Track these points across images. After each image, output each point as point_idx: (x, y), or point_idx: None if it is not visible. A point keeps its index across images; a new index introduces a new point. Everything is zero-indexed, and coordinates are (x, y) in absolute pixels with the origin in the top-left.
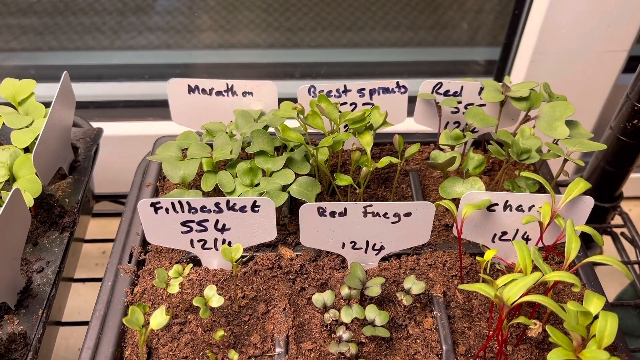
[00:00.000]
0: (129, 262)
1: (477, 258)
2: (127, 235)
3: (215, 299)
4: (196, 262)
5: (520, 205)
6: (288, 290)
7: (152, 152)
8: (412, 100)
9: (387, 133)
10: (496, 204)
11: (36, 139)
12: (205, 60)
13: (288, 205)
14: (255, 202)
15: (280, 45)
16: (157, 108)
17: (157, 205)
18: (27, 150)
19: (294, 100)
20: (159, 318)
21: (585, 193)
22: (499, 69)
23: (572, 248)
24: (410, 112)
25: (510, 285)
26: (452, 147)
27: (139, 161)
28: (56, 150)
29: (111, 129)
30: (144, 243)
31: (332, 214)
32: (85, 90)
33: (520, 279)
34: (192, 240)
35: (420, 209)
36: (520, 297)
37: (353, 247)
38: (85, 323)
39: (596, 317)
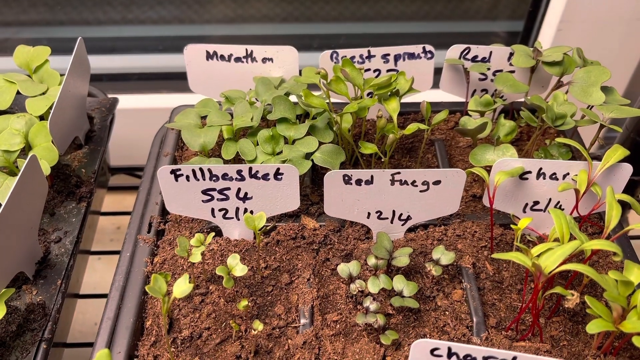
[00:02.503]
0: (148, 232)
1: (512, 226)
2: (146, 205)
3: (239, 268)
4: (217, 232)
5: (555, 174)
6: (312, 261)
7: (170, 121)
8: (435, 72)
9: (411, 102)
10: (529, 172)
11: (51, 107)
12: (219, 33)
13: (310, 175)
14: (278, 169)
15: (294, 19)
16: (172, 80)
17: (178, 173)
18: (42, 119)
19: None
20: (182, 286)
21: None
22: (523, 39)
23: (613, 215)
24: (434, 84)
25: (548, 253)
26: (482, 114)
27: (154, 134)
28: (72, 119)
29: (125, 101)
30: (163, 213)
31: (358, 181)
32: (98, 63)
33: (558, 247)
34: (213, 210)
35: (450, 177)
36: (558, 266)
37: (379, 217)
38: (104, 296)
39: (636, 288)
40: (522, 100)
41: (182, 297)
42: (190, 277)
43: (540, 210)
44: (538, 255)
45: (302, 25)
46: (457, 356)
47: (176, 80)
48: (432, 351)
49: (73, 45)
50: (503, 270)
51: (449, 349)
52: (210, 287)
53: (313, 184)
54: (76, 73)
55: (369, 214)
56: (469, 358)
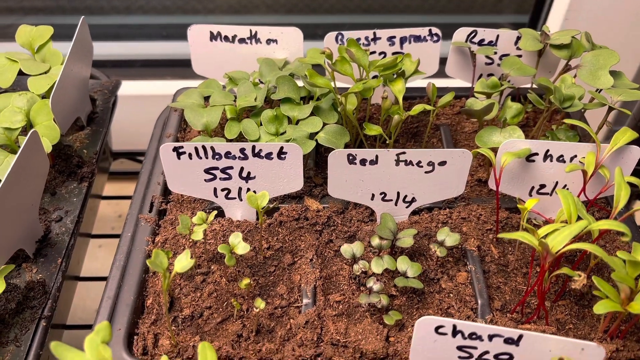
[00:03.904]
0: (150, 211)
1: (519, 206)
2: (148, 186)
3: (241, 246)
4: (219, 213)
5: (562, 156)
6: (315, 242)
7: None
8: (440, 62)
9: (416, 87)
10: (536, 154)
11: (53, 85)
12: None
13: (314, 157)
14: (282, 148)
15: (298, 10)
16: (175, 67)
17: (180, 150)
18: (43, 99)
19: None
20: (184, 261)
21: None
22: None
23: (622, 195)
24: (440, 73)
25: (555, 233)
26: (488, 96)
27: (155, 120)
28: (74, 99)
29: (128, 88)
30: (165, 193)
31: (363, 161)
32: (102, 49)
33: (565, 227)
34: (215, 189)
35: (457, 157)
36: (566, 245)
37: (383, 199)
38: (104, 279)
39: None
40: (529, 86)
41: (183, 273)
42: (191, 256)
43: (547, 193)
44: (545, 236)
45: (307, 17)
46: (462, 334)
47: (179, 67)
48: (436, 329)
49: (74, 32)
50: (508, 253)
51: (454, 326)
52: (212, 267)
53: (316, 167)
54: (78, 53)
55: (373, 195)
56: (474, 336)
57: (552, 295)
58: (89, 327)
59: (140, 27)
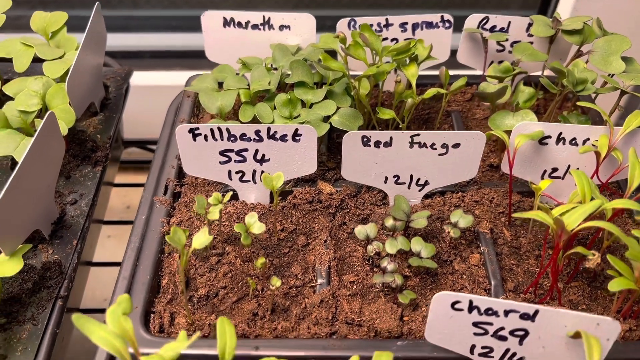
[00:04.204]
0: (164, 194)
1: (532, 187)
2: (161, 170)
3: (257, 226)
4: (233, 196)
5: (575, 139)
6: (328, 224)
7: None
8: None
9: (427, 75)
10: (548, 137)
11: (68, 70)
12: None
13: (326, 142)
14: (296, 130)
15: (304, 6)
16: (184, 58)
17: (196, 132)
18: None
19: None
20: (202, 238)
21: None
22: None
23: (636, 175)
24: (449, 63)
25: (570, 212)
26: (500, 80)
27: (165, 111)
28: (88, 84)
29: (136, 78)
30: (179, 176)
31: (377, 143)
32: (112, 40)
33: (580, 206)
34: (229, 172)
35: (470, 140)
36: (581, 223)
37: (396, 182)
38: (118, 264)
39: None
40: (539, 74)
41: (198, 254)
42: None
43: (559, 177)
44: (560, 215)
45: (313, 11)
46: (478, 310)
47: (187, 58)
48: (453, 305)
49: (85, 23)
50: (520, 236)
51: (471, 302)
52: (227, 248)
53: (329, 152)
54: (93, 38)
55: (386, 178)
56: (490, 312)
57: (564, 277)
58: (103, 311)
59: (148, 18)
